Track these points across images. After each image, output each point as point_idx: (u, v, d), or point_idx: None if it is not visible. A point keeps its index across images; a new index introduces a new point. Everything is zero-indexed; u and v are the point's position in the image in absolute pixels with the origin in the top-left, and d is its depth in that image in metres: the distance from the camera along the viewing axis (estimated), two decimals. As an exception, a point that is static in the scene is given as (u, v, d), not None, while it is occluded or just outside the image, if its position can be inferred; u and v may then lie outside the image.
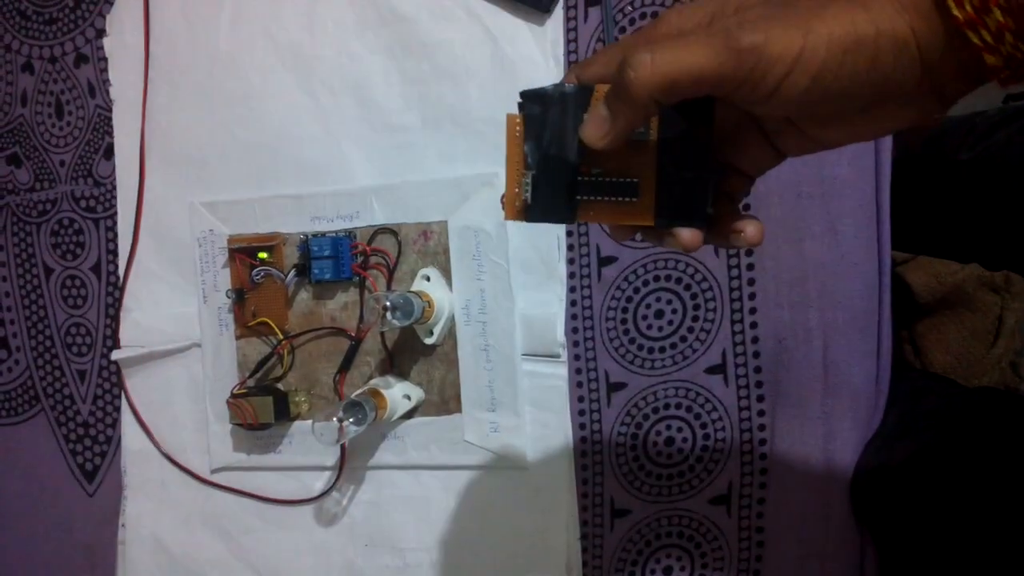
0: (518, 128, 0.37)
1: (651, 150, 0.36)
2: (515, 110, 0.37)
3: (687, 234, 0.37)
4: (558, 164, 0.36)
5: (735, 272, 0.65)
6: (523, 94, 0.37)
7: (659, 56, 0.31)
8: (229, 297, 0.76)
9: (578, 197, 0.37)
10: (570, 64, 0.68)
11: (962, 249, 0.77)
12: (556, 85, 0.36)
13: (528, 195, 0.37)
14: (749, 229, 0.37)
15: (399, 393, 0.71)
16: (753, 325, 0.64)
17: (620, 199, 0.37)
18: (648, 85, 0.32)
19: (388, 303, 0.64)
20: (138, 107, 0.80)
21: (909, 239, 0.65)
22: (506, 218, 0.38)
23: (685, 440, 0.66)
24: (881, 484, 0.61)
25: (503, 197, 0.38)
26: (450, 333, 0.71)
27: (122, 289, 0.81)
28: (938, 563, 0.58)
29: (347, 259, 0.73)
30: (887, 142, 0.62)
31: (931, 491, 0.59)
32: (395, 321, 0.65)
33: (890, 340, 0.63)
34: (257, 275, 0.75)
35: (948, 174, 0.70)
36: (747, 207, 0.64)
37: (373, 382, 0.72)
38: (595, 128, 0.34)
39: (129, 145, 0.81)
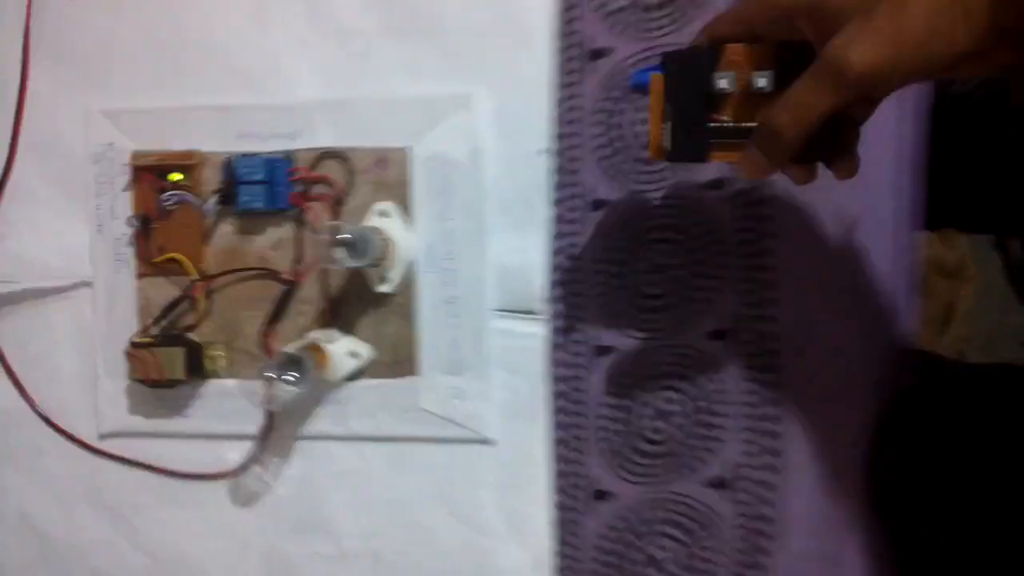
0: (661, 85, 0.43)
1: (771, 100, 0.40)
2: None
3: (800, 174, 0.44)
4: (693, 114, 0.43)
5: (750, 223, 0.56)
6: (664, 55, 0.43)
7: (790, 118, 0.38)
8: (131, 226, 0.63)
9: (711, 140, 0.43)
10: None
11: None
12: (691, 47, 0.43)
13: (668, 141, 0.44)
14: (843, 167, 0.43)
15: (344, 350, 0.60)
16: (767, 284, 0.56)
17: (744, 141, 0.42)
18: (795, 141, 0.39)
19: (342, 236, 0.53)
20: (22, -9, 0.64)
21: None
22: (649, 159, 0.50)
23: (681, 413, 0.58)
24: (905, 468, 0.55)
25: (648, 139, 0.45)
26: (407, 281, 0.60)
27: (-8, 212, 0.65)
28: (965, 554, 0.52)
29: (283, 186, 0.61)
30: (926, 84, 0.55)
31: (963, 477, 0.53)
32: (347, 260, 0.54)
33: (915, 309, 0.56)
34: (168, 201, 0.62)
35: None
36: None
37: (313, 335, 0.60)
38: (753, 170, 0.42)
39: (8, 36, 0.65)
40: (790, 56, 0.40)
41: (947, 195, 0.67)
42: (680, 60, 0.43)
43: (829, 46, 0.36)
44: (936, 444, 0.55)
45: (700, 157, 0.44)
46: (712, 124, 0.43)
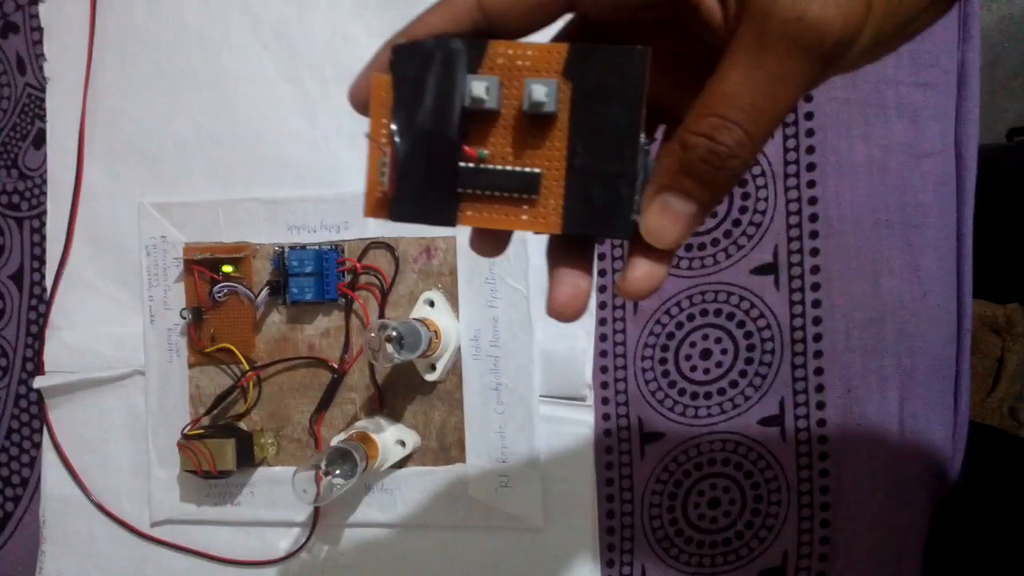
0: (385, 93, 0.27)
1: (561, 129, 0.26)
2: None
3: (640, 270, 0.26)
4: (435, 144, 0.27)
5: (798, 309, 0.56)
6: (396, 48, 0.27)
7: (747, 130, 0.24)
8: (183, 317, 0.64)
9: (459, 190, 0.27)
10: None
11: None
12: (440, 40, 0.27)
13: (387, 182, 0.27)
14: (635, 273, 0.27)
15: (392, 438, 0.60)
16: (818, 371, 0.56)
17: (516, 196, 0.27)
18: (751, 153, 0.25)
19: (393, 332, 0.53)
20: (79, 87, 0.67)
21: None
22: (366, 214, 0.28)
23: (732, 502, 0.57)
24: (961, 555, 0.53)
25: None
26: (454, 368, 0.60)
27: (49, 303, 0.67)
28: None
29: (333, 277, 0.62)
30: (972, 167, 0.55)
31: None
32: (398, 355, 0.54)
33: (968, 392, 0.56)
34: (219, 292, 0.63)
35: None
36: (814, 234, 0.56)
37: (361, 424, 0.60)
38: (673, 227, 0.26)
39: (65, 132, 0.67)
40: (596, 64, 0.26)
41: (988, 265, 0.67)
42: (421, 56, 0.27)
43: (777, 6, 0.23)
44: (992, 533, 0.54)
45: (442, 216, 0.27)
46: (465, 164, 0.27)
